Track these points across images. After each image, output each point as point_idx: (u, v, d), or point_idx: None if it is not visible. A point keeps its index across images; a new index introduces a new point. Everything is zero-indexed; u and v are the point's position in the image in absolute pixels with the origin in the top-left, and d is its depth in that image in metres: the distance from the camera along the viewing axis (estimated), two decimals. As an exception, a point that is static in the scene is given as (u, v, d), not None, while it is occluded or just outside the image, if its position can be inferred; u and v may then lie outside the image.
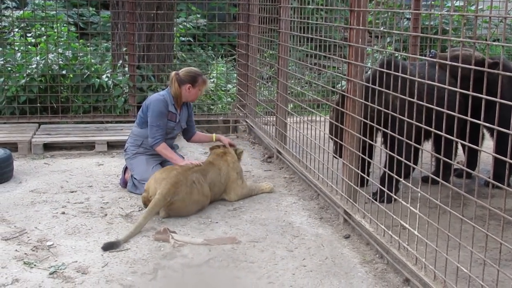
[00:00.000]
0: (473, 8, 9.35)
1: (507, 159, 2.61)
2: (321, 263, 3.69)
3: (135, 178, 4.98)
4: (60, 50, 7.47)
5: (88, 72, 7.33)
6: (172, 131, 5.07)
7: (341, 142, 4.41)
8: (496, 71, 2.74)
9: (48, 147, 6.39)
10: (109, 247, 3.83)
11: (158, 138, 4.89)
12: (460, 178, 5.15)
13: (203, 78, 5.05)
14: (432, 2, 8.87)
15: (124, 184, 5.14)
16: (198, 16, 11.02)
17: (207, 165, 4.81)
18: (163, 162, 5.14)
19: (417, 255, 3.31)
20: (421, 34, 4.19)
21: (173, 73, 5.03)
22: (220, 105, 8.35)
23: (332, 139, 4.81)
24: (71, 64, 7.31)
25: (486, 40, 2.86)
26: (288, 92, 6.06)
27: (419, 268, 3.26)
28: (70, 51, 7.40)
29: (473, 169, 4.68)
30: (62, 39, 7.93)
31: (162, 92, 5.11)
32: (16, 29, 8.47)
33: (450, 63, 3.03)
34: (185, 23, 10.02)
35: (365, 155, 4.40)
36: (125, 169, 5.20)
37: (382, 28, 5.67)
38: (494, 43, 2.79)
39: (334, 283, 3.41)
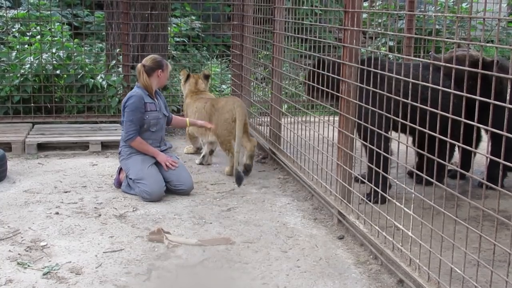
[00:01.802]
0: (464, 5, 9.38)
1: (501, 160, 2.62)
2: (315, 264, 3.69)
3: (130, 178, 4.96)
4: (53, 50, 7.45)
5: (82, 72, 7.31)
6: (157, 121, 5.11)
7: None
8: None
9: (42, 147, 6.37)
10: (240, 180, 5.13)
11: (132, 133, 4.98)
12: (454, 179, 5.16)
13: (166, 61, 5.32)
14: (426, 1, 8.89)
15: (118, 184, 5.13)
16: (193, 18, 11.00)
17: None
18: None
19: (411, 256, 3.31)
20: (415, 35, 4.19)
21: (139, 65, 5.13)
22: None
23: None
24: (65, 64, 7.29)
25: (480, 41, 2.86)
26: (282, 92, 6.06)
27: (413, 269, 3.26)
28: (63, 51, 7.37)
29: (467, 170, 4.69)
30: (55, 38, 7.90)
31: (134, 89, 5.16)
32: (13, 29, 8.43)
33: (455, 66, 3.01)
34: (179, 23, 9.99)
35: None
36: (120, 169, 5.19)
37: (377, 29, 5.68)
38: (488, 44, 2.80)
39: (328, 284, 3.41)
